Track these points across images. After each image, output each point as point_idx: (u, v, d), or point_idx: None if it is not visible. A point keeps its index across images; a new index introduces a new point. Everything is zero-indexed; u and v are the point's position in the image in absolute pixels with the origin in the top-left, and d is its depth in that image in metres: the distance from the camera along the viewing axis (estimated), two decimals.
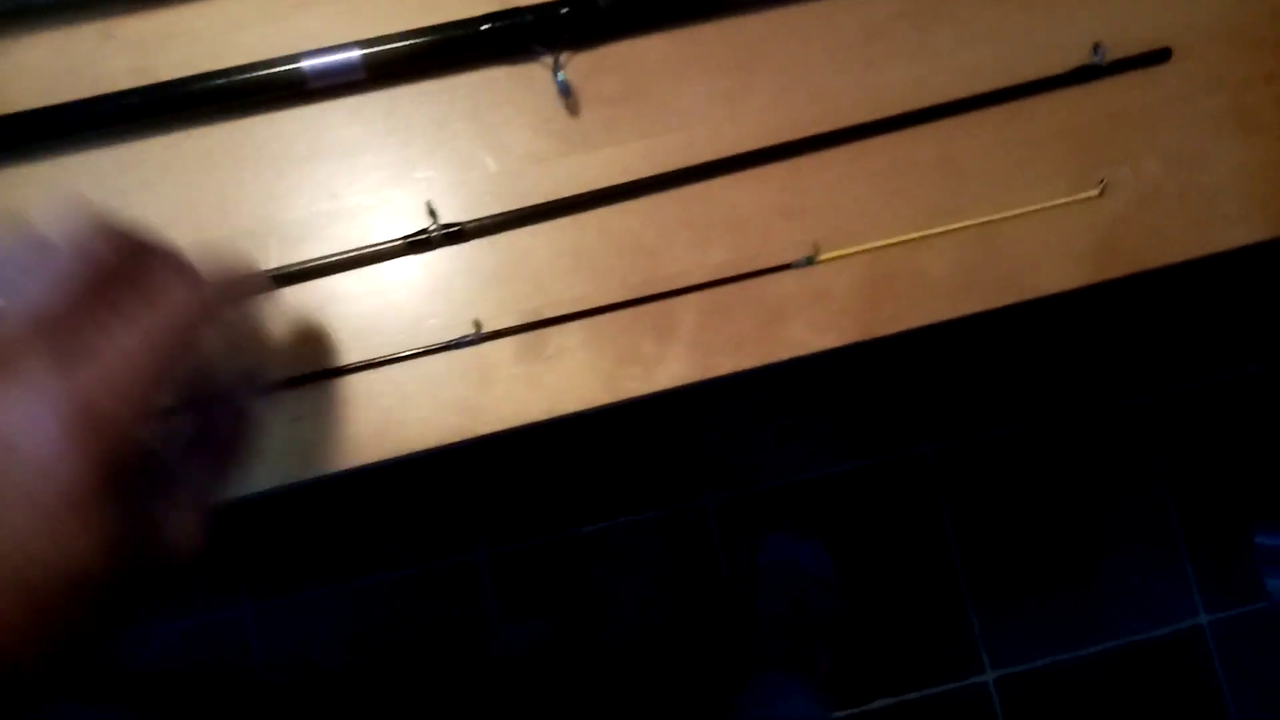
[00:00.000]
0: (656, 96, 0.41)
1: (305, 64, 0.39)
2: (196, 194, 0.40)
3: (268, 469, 0.38)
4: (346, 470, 0.39)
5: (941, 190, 0.41)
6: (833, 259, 0.40)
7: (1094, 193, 0.41)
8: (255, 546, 1.26)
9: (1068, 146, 0.41)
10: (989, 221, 0.40)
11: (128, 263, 0.28)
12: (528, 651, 1.28)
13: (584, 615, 1.27)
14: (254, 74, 0.39)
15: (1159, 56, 0.41)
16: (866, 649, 1.26)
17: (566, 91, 0.40)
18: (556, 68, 0.40)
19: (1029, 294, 0.40)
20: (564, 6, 0.40)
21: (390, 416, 0.39)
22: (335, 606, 1.28)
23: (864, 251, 0.40)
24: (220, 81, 0.39)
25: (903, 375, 1.29)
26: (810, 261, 0.39)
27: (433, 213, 0.39)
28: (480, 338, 0.39)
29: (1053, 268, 0.41)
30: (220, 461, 0.30)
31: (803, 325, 0.40)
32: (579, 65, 0.41)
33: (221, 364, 0.30)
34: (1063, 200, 0.41)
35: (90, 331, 0.26)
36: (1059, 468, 1.28)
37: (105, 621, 0.26)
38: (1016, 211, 0.40)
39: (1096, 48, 0.41)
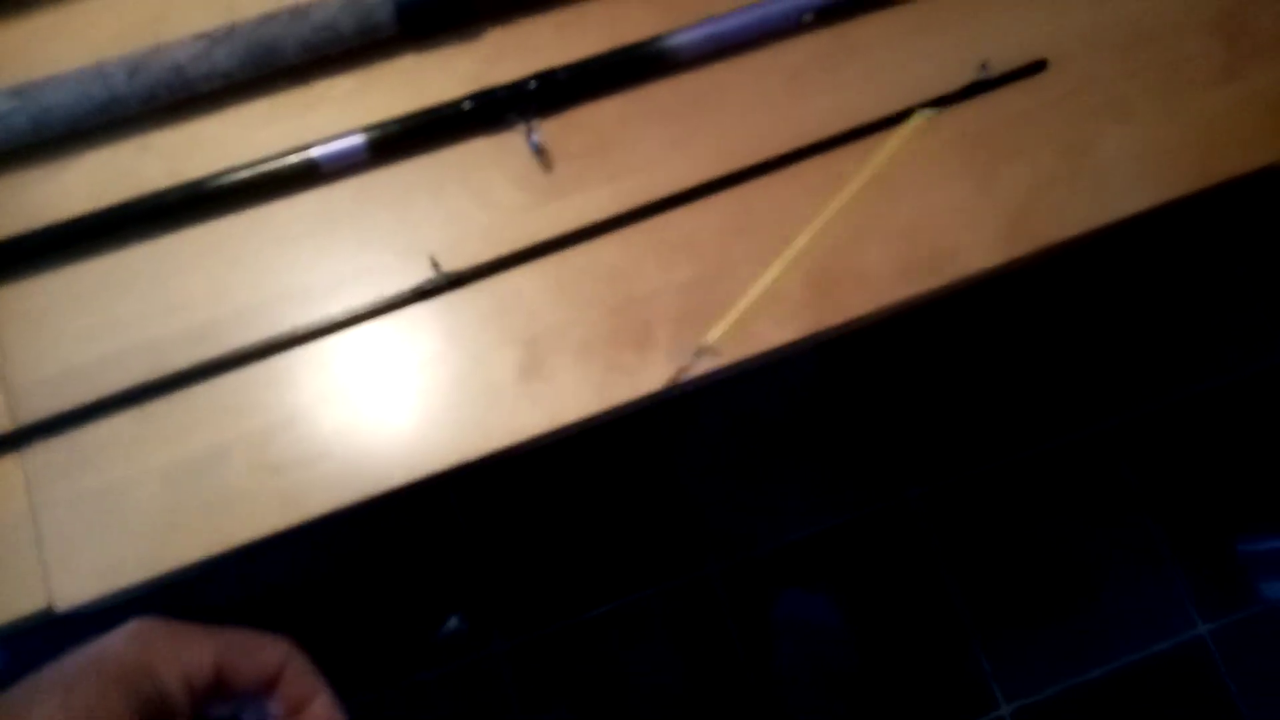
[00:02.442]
0: (617, 148, 0.48)
1: (316, 152, 0.46)
2: (231, 271, 0.46)
3: (319, 496, 0.43)
4: (382, 493, 0.44)
5: (869, 196, 0.47)
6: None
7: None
8: None
9: (973, 149, 0.48)
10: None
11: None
12: None
13: (605, 697, 1.28)
14: (275, 164, 0.46)
15: (1037, 67, 0.49)
16: (884, 698, 1.28)
17: (540, 152, 0.47)
18: (530, 133, 0.47)
19: (956, 275, 0.47)
20: (531, 81, 0.47)
21: (414, 441, 0.44)
22: (359, 716, 1.28)
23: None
24: (246, 174, 0.46)
25: (879, 425, 1.34)
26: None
27: (435, 264, 0.46)
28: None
29: (973, 251, 0.47)
30: None
31: (765, 324, 0.46)
32: (549, 129, 0.48)
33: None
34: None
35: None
36: (1040, 499, 1.33)
37: None
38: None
39: (983, 65, 0.48)
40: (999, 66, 0.49)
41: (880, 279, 0.46)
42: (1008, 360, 1.37)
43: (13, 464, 0.43)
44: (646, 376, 0.45)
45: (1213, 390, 1.36)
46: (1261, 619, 1.27)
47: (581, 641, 1.28)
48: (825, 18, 0.48)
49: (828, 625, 1.27)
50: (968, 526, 1.31)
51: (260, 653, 0.32)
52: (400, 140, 0.47)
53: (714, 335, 0.45)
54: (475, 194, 0.47)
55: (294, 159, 0.46)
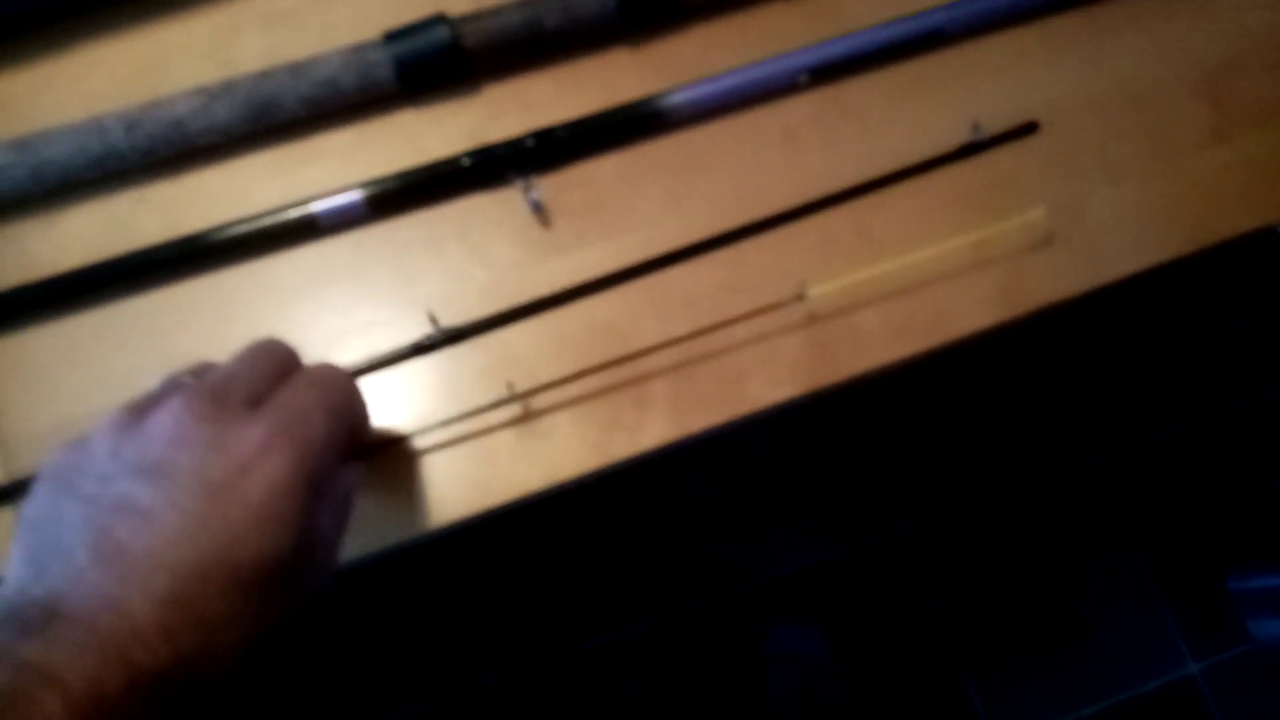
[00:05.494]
0: (615, 205, 0.48)
1: (315, 206, 0.46)
2: (227, 326, 0.46)
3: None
4: (375, 553, 0.44)
5: (861, 258, 0.48)
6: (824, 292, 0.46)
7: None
8: (261, 696, 1.27)
9: (965, 210, 0.49)
10: (907, 280, 0.47)
11: (291, 358, 0.38)
12: None
13: None
14: (273, 219, 0.46)
15: (1028, 129, 0.49)
16: None
17: (538, 208, 0.47)
18: (528, 190, 0.47)
19: (951, 335, 0.47)
20: (530, 139, 0.47)
21: (409, 498, 0.44)
22: None
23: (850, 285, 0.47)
24: (244, 228, 0.46)
25: (871, 460, 1.34)
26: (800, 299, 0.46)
27: (434, 320, 0.46)
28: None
29: (967, 312, 0.47)
30: (344, 512, 0.37)
31: (760, 382, 0.46)
32: (547, 186, 0.48)
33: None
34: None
35: (276, 390, 0.35)
36: (1031, 535, 1.33)
37: (284, 613, 0.32)
38: (929, 268, 0.48)
39: (976, 127, 0.49)
40: (990, 128, 0.49)
41: (876, 339, 0.47)
42: (999, 395, 1.38)
43: (7, 517, 0.43)
44: (646, 433, 0.46)
45: (1202, 427, 1.37)
46: (1251, 658, 1.27)
47: (572, 675, 1.28)
48: (820, 78, 0.49)
49: (819, 659, 1.26)
50: (959, 561, 1.31)
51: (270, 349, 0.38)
52: (399, 196, 0.47)
53: (818, 290, 0.46)
54: (473, 250, 0.47)
55: (293, 213, 0.46)
